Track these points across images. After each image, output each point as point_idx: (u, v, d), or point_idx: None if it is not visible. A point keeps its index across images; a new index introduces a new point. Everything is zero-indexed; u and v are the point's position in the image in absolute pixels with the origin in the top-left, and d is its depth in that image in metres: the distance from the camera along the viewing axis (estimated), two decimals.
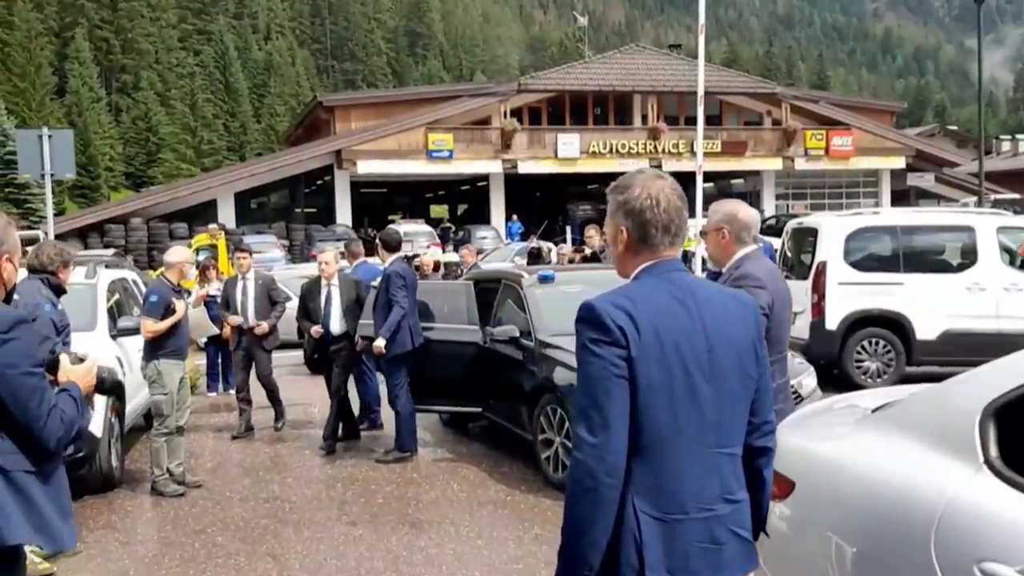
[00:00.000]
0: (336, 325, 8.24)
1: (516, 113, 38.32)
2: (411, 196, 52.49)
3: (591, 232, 12.46)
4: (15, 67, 64.82)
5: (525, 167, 37.69)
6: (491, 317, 8.23)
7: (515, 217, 37.58)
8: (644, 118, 40.15)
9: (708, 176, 43.52)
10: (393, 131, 36.06)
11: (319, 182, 40.65)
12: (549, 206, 42.54)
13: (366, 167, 35.87)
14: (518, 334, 7.26)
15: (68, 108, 67.44)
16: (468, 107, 37.76)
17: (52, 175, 11.01)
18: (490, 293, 8.63)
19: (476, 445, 8.13)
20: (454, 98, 38.58)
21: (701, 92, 14.22)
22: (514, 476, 6.97)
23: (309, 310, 8.49)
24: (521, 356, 7.25)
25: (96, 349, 6.98)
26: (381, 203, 50.07)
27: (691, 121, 42.39)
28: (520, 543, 5.50)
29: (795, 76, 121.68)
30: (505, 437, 7.89)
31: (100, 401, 6.80)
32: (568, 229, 37.07)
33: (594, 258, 11.99)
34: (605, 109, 41.31)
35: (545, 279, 7.74)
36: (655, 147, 39.08)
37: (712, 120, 42.05)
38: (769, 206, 42.89)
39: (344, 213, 37.16)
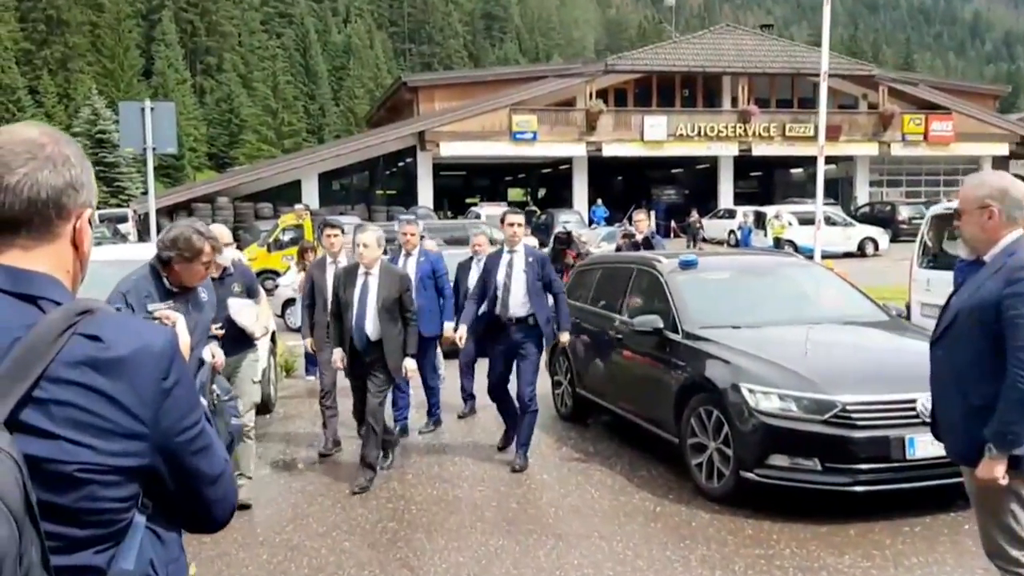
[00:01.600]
0: (371, 327, 6.36)
1: (602, 94, 37.48)
2: (490, 179, 52.03)
3: (640, 216, 11.43)
4: (104, 49, 66.23)
5: (610, 149, 36.84)
6: (620, 305, 7.57)
7: (599, 201, 36.76)
8: (734, 100, 38.94)
9: (797, 161, 42.34)
10: (477, 112, 35.55)
11: (400, 164, 40.40)
12: (631, 190, 41.62)
13: (449, 149, 35.46)
14: (661, 325, 6.57)
15: (155, 89, 68.55)
16: (553, 88, 37.03)
17: (154, 148, 10.69)
18: (616, 279, 7.98)
19: (602, 444, 7.48)
20: (539, 79, 37.90)
21: (825, 67, 13.27)
22: (657, 483, 6.31)
23: (340, 303, 6.51)
24: (664, 350, 6.56)
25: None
26: (460, 186, 49.71)
27: (782, 104, 41.16)
28: (688, 565, 4.84)
29: (880, 60, 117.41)
30: (634, 436, 7.24)
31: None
32: (653, 214, 36.14)
33: (646, 244, 10.69)
34: (693, 91, 40.18)
35: (687, 264, 7.05)
36: (745, 130, 37.86)
37: (805, 103, 40.61)
38: (862, 193, 41.29)
39: (426, 195, 36.83)
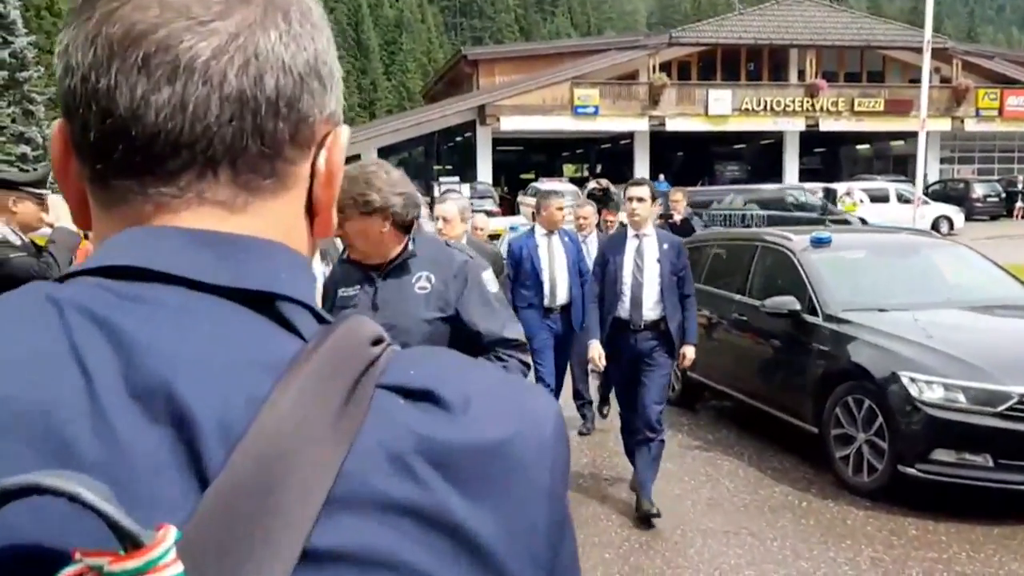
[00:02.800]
0: None
1: (665, 68, 36.67)
2: (546, 154, 51.47)
3: (677, 196, 10.14)
4: None
5: (673, 124, 36.08)
6: (742, 285, 7.16)
7: (662, 177, 36.06)
8: (801, 74, 37.86)
9: (865, 137, 41.14)
10: (538, 86, 34.99)
11: (458, 138, 40.05)
12: (693, 166, 40.83)
13: (509, 123, 34.99)
14: (798, 307, 6.16)
15: None
16: (615, 61, 36.33)
17: None
18: (735, 257, 7.56)
19: (720, 431, 7.10)
20: (600, 52, 37.21)
21: (928, 36, 12.61)
22: (793, 475, 5.92)
23: None
24: (801, 334, 6.15)
25: None
26: (516, 161, 49.21)
27: (851, 77, 39.98)
28: (858, 568, 4.47)
29: (942, 33, 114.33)
30: (754, 422, 6.86)
31: None
32: None
33: (684, 225, 9.57)
34: (759, 64, 39.17)
35: (820, 242, 6.61)
36: (812, 104, 36.80)
37: (873, 76, 39.42)
38: (933, 170, 40.03)
39: (485, 170, 36.45)
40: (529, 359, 2.86)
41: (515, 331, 2.78)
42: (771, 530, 4.98)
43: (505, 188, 40.06)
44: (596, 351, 5.28)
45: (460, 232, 5.14)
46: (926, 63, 12.77)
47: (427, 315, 2.69)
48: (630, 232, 5.33)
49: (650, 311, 5.23)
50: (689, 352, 5.35)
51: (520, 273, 6.34)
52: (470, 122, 36.37)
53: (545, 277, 6.33)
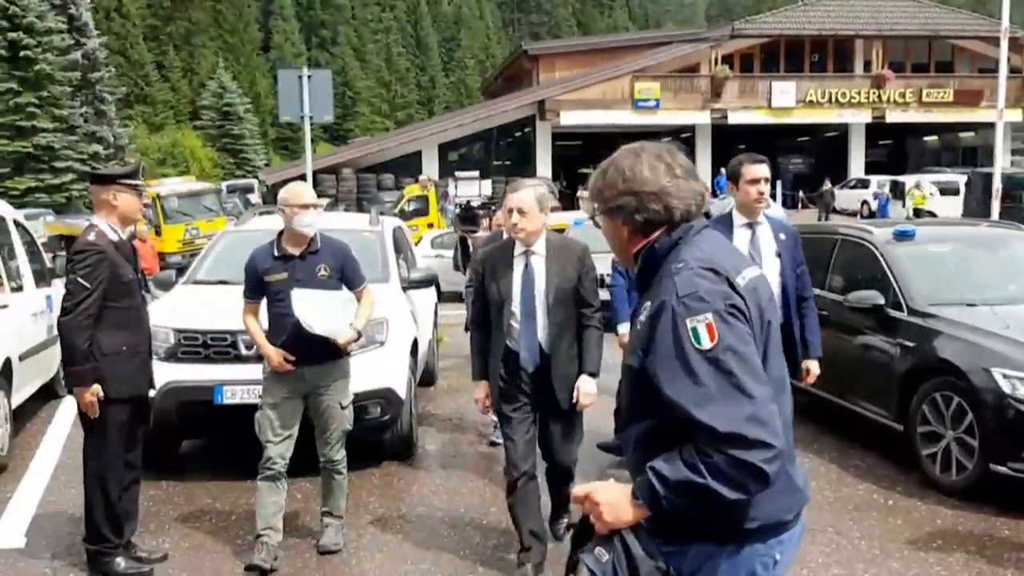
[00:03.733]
0: (542, 336, 4.18)
1: (727, 60, 36.23)
2: (606, 148, 51.04)
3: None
4: (226, 24, 67.85)
5: (735, 117, 35.64)
6: (821, 279, 7.02)
7: (723, 171, 35.63)
8: (867, 65, 37.10)
9: (934, 128, 40.13)
10: (598, 80, 34.86)
11: (517, 134, 40.07)
12: None
13: (569, 118, 34.91)
14: (882, 302, 6.03)
15: (272, 63, 69.96)
16: (676, 54, 36.00)
17: (311, 117, 10.61)
18: (813, 251, 7.41)
19: (800, 429, 6.91)
20: (661, 45, 36.91)
21: (1005, 23, 12.23)
22: (878, 473, 5.80)
23: (487, 298, 4.27)
24: (885, 329, 6.02)
25: (390, 303, 6.35)
26: (576, 156, 49.08)
27: (919, 68, 39.01)
28: (951, 569, 4.36)
29: (1011, 23, 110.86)
30: (829, 418, 6.72)
31: (405, 361, 6.15)
32: (779, 185, 34.88)
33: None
34: (824, 55, 38.46)
35: (904, 235, 6.45)
36: (879, 96, 36.04)
37: (942, 67, 38.44)
38: (1004, 161, 38.89)
39: (544, 165, 36.43)
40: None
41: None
42: (857, 528, 4.89)
43: (564, 183, 39.96)
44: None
45: (540, 225, 4.15)
46: (1003, 52, 12.44)
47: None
48: (739, 220, 4.65)
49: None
50: (813, 367, 4.85)
51: None
52: (529, 117, 36.37)
53: None
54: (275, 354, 4.48)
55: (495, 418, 6.07)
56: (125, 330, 4.31)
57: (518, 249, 4.21)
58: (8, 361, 6.53)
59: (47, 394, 8.05)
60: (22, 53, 35.45)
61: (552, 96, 34.98)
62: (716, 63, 35.53)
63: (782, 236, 4.73)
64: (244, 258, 4.71)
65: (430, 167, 35.07)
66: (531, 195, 4.11)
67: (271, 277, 4.53)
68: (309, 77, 10.63)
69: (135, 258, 4.51)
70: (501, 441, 5.99)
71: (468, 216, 8.19)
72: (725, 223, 4.61)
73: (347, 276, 4.66)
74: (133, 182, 4.43)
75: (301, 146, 65.69)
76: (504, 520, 4.66)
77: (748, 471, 1.77)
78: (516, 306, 4.16)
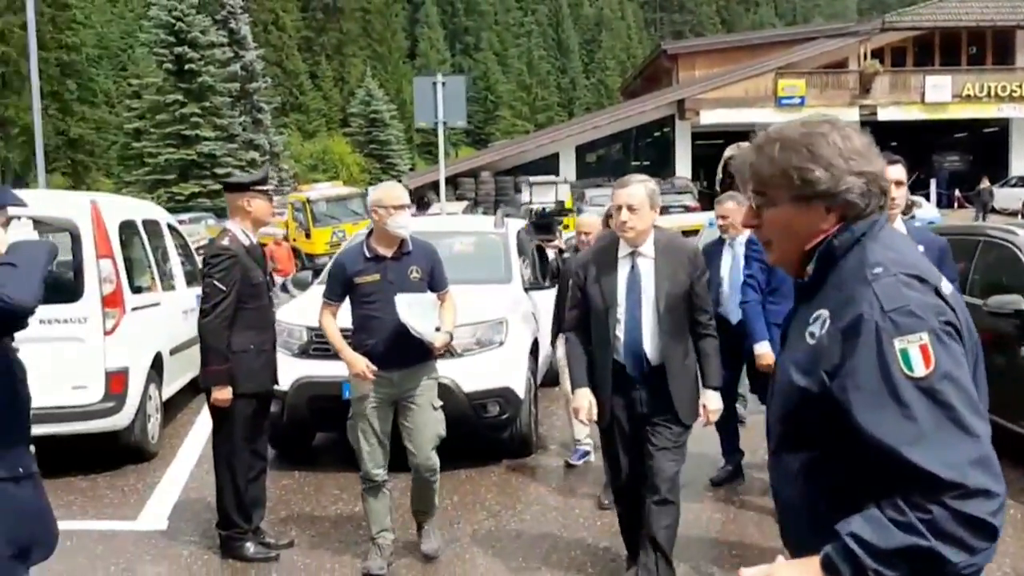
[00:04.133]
0: (650, 346, 3.89)
1: (877, 54, 34.78)
2: None
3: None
4: (374, 33, 70.21)
5: (885, 114, 34.15)
6: (965, 283, 6.68)
7: None
8: None
9: None
10: (740, 78, 34.17)
11: (655, 134, 39.70)
12: (908, 158, 38.31)
13: (709, 117, 34.35)
14: None
15: (418, 70, 71.89)
16: (823, 49, 34.86)
17: (445, 122, 10.92)
18: (956, 253, 7.05)
19: None
20: (807, 40, 35.81)
21: None
22: (1021, 486, 5.48)
23: (589, 304, 3.97)
24: None
25: (511, 303, 6.47)
26: (715, 155, 48.17)
27: None
28: None
29: None
30: None
31: (524, 361, 6.25)
32: (933, 183, 33.20)
33: None
34: (982, 47, 36.36)
35: None
36: None
37: None
38: None
39: (684, 166, 35.97)
40: None
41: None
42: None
43: (704, 183, 39.33)
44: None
45: (649, 224, 3.84)
46: None
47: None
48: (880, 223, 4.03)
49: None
50: None
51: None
52: (668, 117, 36.00)
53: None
54: (358, 362, 4.33)
55: (579, 436, 6.08)
56: (253, 329, 4.58)
57: (623, 250, 3.88)
58: (159, 355, 7.01)
59: (195, 387, 8.58)
60: (187, 66, 37.87)
61: (692, 95, 34.51)
62: (865, 58, 34.17)
63: (920, 248, 3.95)
64: None
65: (567, 169, 35.24)
66: (641, 190, 3.79)
67: (362, 279, 4.41)
68: (443, 84, 10.92)
69: (264, 261, 4.79)
70: (579, 463, 6.08)
71: (543, 224, 7.99)
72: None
73: (435, 279, 4.57)
74: (265, 188, 4.70)
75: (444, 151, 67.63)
76: (616, 523, 4.68)
77: (976, 526, 1.42)
78: (621, 313, 3.84)
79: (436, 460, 4.53)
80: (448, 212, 14.22)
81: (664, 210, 9.96)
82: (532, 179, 28.55)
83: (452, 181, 34.91)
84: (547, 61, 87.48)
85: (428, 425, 4.47)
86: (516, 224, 8.23)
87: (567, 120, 63.47)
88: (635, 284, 3.85)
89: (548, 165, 35.24)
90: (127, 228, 6.91)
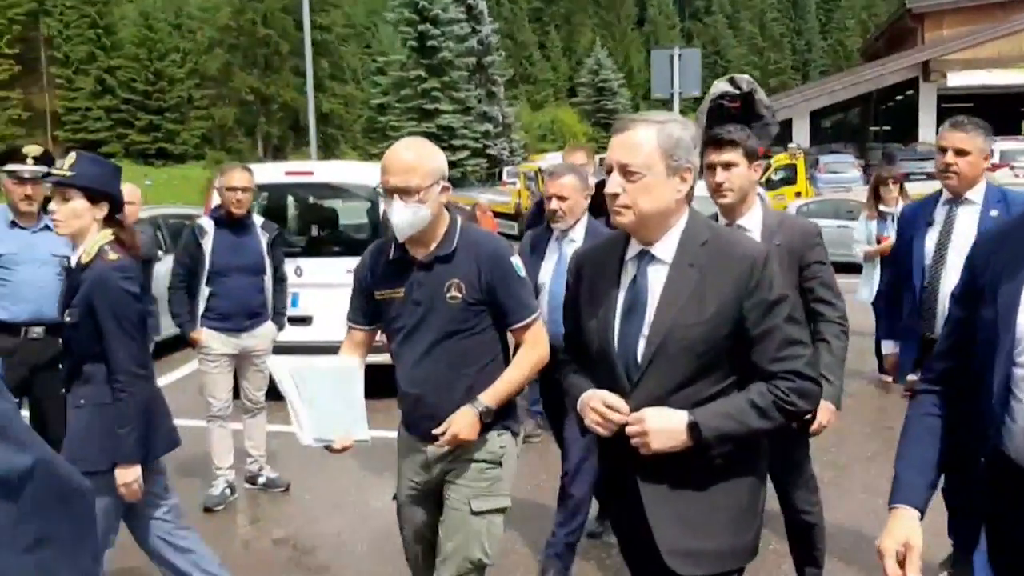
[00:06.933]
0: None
1: None
2: (1002, 112, 46.43)
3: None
4: (603, 1, 70.72)
5: None
6: None
7: None
8: None
9: None
10: (992, 37, 32.00)
11: (898, 98, 37.86)
12: None
13: (957, 79, 32.43)
14: None
15: (646, 36, 71.93)
16: None
17: (680, 93, 11.53)
18: None
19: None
20: None
21: None
22: None
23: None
24: None
25: None
26: None
27: None
28: None
29: None
30: None
31: None
32: None
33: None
34: None
35: None
36: None
37: None
38: None
39: (928, 131, 34.13)
40: None
41: None
42: None
43: None
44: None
45: (668, 201, 2.13)
46: None
47: None
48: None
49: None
50: None
51: None
52: (911, 80, 34.29)
53: None
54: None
55: None
56: None
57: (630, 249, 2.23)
58: None
59: None
60: (428, 43, 40.21)
61: (938, 56, 32.68)
62: None
63: (993, 213, 3.55)
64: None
65: (800, 135, 34.44)
66: (650, 137, 2.08)
67: (383, 292, 2.80)
68: (680, 56, 11.51)
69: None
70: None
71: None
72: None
73: (499, 301, 2.74)
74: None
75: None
76: None
77: None
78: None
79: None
80: None
81: (906, 177, 9.75)
82: (548, 158, 26.21)
83: None
84: (780, 23, 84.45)
85: (454, 534, 2.77)
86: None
87: (801, 84, 61.35)
88: (638, 299, 2.15)
89: (781, 132, 34.57)
90: None
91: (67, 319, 3.04)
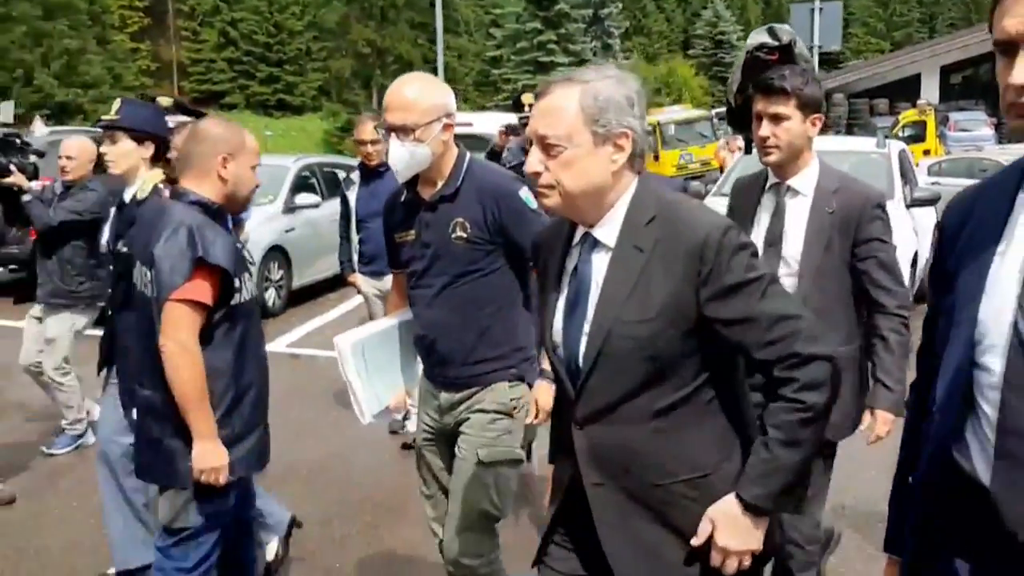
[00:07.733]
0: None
1: None
2: None
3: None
4: None
5: None
6: None
7: None
8: None
9: None
10: None
11: None
12: None
13: None
14: None
15: None
16: None
17: (820, 47, 11.35)
18: None
19: None
20: None
21: None
22: None
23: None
24: None
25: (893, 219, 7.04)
26: None
27: None
28: None
29: None
30: None
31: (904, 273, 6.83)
32: None
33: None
34: None
35: None
36: None
37: None
38: None
39: None
40: None
41: None
42: None
43: None
44: None
45: (594, 178, 1.89)
46: None
47: None
48: None
49: None
50: None
51: None
52: None
53: None
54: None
55: None
56: None
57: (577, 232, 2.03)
58: None
59: None
60: None
61: None
62: None
63: None
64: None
65: (930, 91, 33.11)
66: (570, 101, 1.79)
67: (399, 235, 2.84)
68: (820, 9, 11.31)
69: None
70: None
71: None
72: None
73: (513, 239, 2.67)
74: None
75: None
76: None
77: None
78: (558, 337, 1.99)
79: (476, 561, 2.79)
80: None
81: None
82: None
83: None
84: None
85: (461, 488, 2.75)
86: (897, 145, 8.62)
87: (928, 38, 58.60)
88: (580, 291, 1.88)
89: (907, 87, 33.32)
90: None
91: (121, 249, 3.32)
